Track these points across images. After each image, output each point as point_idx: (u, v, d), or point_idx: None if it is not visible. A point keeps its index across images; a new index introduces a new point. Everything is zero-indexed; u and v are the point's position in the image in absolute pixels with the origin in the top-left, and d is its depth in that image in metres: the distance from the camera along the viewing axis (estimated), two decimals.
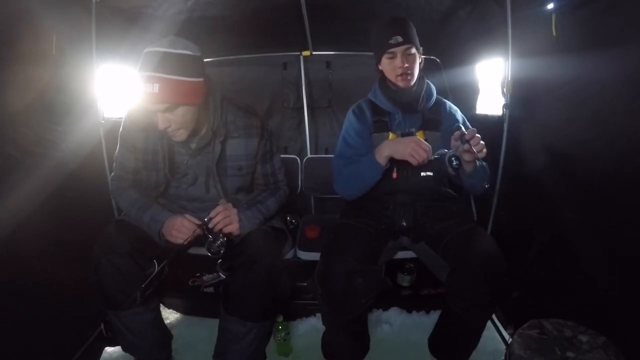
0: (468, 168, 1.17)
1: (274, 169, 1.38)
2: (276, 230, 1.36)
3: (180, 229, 1.14)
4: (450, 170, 1.12)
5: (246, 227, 1.21)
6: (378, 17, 1.33)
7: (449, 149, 1.14)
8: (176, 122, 1.06)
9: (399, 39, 1.23)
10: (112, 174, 1.31)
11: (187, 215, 1.16)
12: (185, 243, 1.13)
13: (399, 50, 1.24)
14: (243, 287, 1.15)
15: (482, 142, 1.07)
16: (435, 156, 1.15)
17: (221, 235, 1.16)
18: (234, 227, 1.18)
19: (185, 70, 1.00)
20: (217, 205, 1.18)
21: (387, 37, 1.24)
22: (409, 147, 1.12)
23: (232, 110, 1.24)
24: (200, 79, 1.05)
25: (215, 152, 1.22)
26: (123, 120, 1.23)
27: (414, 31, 1.27)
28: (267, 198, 1.33)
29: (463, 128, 1.11)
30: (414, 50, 1.26)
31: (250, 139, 1.27)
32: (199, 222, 1.15)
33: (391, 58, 1.27)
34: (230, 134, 1.24)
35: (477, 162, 1.18)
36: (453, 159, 1.10)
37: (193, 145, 1.21)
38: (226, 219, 1.16)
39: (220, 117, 1.19)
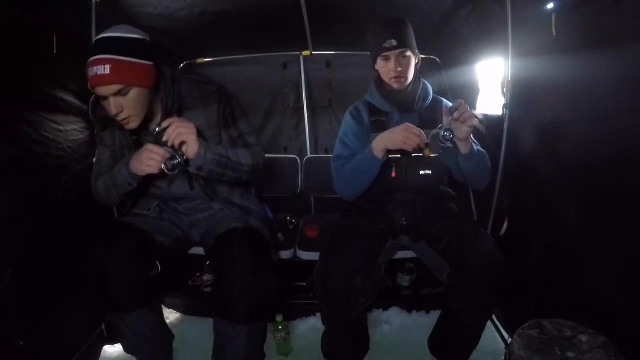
0: (464, 148, 1.19)
1: (241, 132, 1.26)
2: (261, 230, 1.30)
3: (151, 156, 1.05)
4: (443, 144, 1.14)
5: (204, 152, 1.08)
6: (378, 17, 1.33)
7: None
8: (128, 107, 1.03)
9: (393, 42, 1.22)
10: (93, 174, 1.26)
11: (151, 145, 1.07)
12: (160, 170, 1.06)
13: (393, 54, 1.24)
14: (228, 290, 1.12)
15: (471, 111, 1.11)
16: (433, 132, 1.17)
17: (179, 152, 1.05)
18: (190, 139, 1.04)
19: (136, 53, 1.01)
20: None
21: (382, 40, 1.23)
22: (401, 135, 1.13)
23: (186, 85, 1.21)
24: (150, 63, 1.05)
25: None
26: (95, 126, 1.23)
27: (410, 32, 1.27)
28: (237, 149, 1.23)
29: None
30: (408, 53, 1.25)
31: (208, 106, 1.20)
32: (163, 152, 1.05)
33: (385, 61, 1.27)
34: (186, 105, 1.18)
35: (475, 147, 1.21)
36: (445, 132, 1.12)
37: (155, 129, 1.13)
38: (180, 128, 1.03)
39: (173, 94, 1.15)
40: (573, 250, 1.17)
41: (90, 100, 1.20)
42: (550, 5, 1.14)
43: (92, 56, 0.99)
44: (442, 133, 1.13)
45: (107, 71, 0.96)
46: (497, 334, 1.54)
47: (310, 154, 2.16)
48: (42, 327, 1.20)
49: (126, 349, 1.25)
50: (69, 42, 1.31)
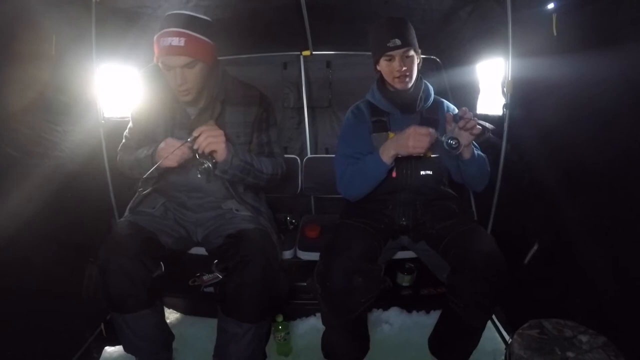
0: (466, 154, 1.19)
1: (270, 139, 1.36)
2: (269, 231, 1.33)
3: (167, 148, 1.12)
4: (449, 151, 1.13)
5: (231, 158, 1.16)
6: (378, 17, 1.33)
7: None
8: (191, 80, 1.12)
9: (397, 42, 1.21)
10: (121, 144, 1.34)
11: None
12: (175, 164, 1.13)
13: (397, 53, 1.23)
14: (238, 288, 1.14)
15: (474, 118, 1.11)
16: (437, 138, 1.16)
17: (209, 157, 1.14)
18: (219, 147, 1.12)
19: (206, 32, 1.11)
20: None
21: (386, 39, 1.22)
22: (410, 140, 1.11)
23: (232, 82, 1.31)
24: (214, 44, 1.14)
25: (214, 112, 1.23)
26: (135, 102, 1.30)
27: (412, 32, 1.26)
28: (261, 157, 1.31)
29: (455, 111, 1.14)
30: (412, 53, 1.25)
31: (248, 107, 1.29)
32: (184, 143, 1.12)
33: (389, 61, 1.26)
34: (229, 100, 1.26)
35: (475, 151, 1.22)
36: (450, 140, 1.11)
37: (193, 114, 1.23)
38: (210, 137, 1.10)
39: (220, 84, 1.24)
40: (573, 250, 1.17)
41: (146, 68, 1.28)
42: (551, 5, 1.15)
43: (166, 28, 1.06)
44: (448, 141, 1.11)
45: (182, 43, 1.05)
46: (497, 334, 1.54)
47: (310, 154, 2.16)
48: (42, 327, 1.20)
49: (126, 348, 1.25)
50: (68, 43, 1.31)
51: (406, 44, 1.22)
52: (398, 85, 1.28)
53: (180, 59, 1.07)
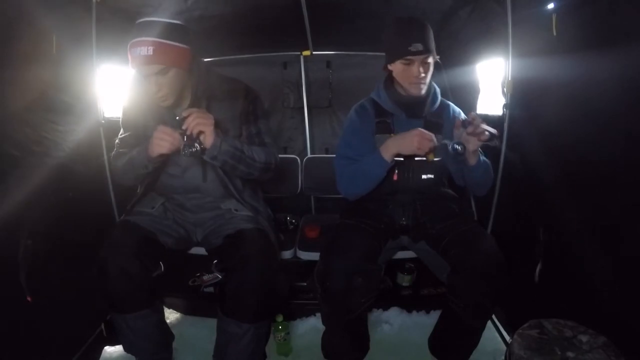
0: (472, 160, 1.18)
1: (259, 130, 1.33)
2: (268, 231, 1.33)
3: (159, 134, 1.10)
4: (454, 156, 1.13)
5: (220, 143, 1.14)
6: (379, 17, 1.32)
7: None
8: (166, 85, 1.12)
9: (419, 47, 1.16)
10: (113, 153, 1.32)
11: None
12: (167, 151, 1.11)
13: (417, 58, 1.18)
14: (237, 289, 1.14)
15: (483, 125, 1.10)
16: (443, 142, 1.16)
17: (197, 140, 1.11)
18: (207, 129, 1.10)
19: (176, 37, 1.09)
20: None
21: (407, 42, 1.17)
22: (415, 141, 1.12)
23: (217, 78, 1.30)
24: (187, 47, 1.13)
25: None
26: (123, 107, 1.30)
27: (432, 36, 1.22)
28: (252, 146, 1.28)
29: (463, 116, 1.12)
30: (430, 59, 1.21)
31: (234, 100, 1.29)
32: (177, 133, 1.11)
33: (407, 64, 1.21)
34: (215, 96, 1.25)
35: (481, 157, 1.21)
36: (456, 145, 1.10)
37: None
38: (199, 119, 1.09)
39: (204, 81, 1.23)
40: (573, 250, 1.17)
41: (133, 74, 1.27)
42: (551, 5, 1.14)
43: (134, 38, 1.07)
44: (454, 145, 1.10)
45: (150, 52, 1.05)
46: (497, 334, 1.54)
47: (310, 154, 2.16)
48: (41, 327, 1.20)
49: (126, 348, 1.25)
50: (69, 43, 1.31)
51: (427, 50, 1.18)
52: (413, 91, 1.25)
53: (151, 67, 1.07)
